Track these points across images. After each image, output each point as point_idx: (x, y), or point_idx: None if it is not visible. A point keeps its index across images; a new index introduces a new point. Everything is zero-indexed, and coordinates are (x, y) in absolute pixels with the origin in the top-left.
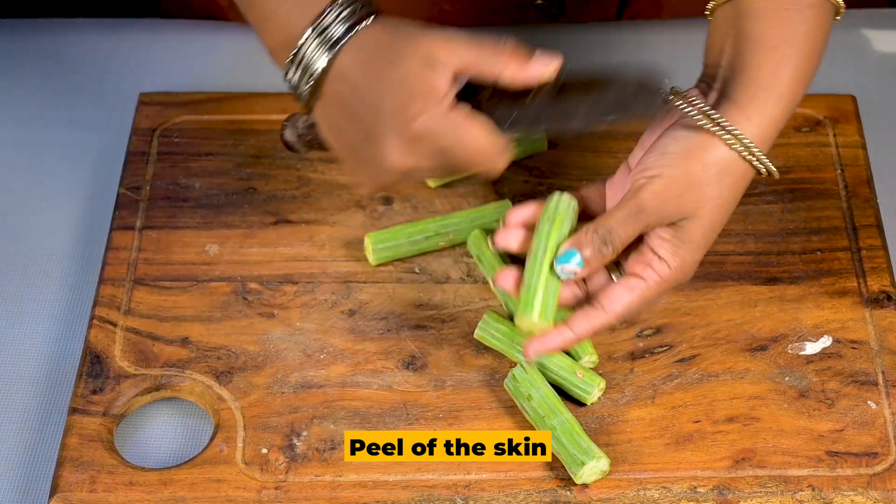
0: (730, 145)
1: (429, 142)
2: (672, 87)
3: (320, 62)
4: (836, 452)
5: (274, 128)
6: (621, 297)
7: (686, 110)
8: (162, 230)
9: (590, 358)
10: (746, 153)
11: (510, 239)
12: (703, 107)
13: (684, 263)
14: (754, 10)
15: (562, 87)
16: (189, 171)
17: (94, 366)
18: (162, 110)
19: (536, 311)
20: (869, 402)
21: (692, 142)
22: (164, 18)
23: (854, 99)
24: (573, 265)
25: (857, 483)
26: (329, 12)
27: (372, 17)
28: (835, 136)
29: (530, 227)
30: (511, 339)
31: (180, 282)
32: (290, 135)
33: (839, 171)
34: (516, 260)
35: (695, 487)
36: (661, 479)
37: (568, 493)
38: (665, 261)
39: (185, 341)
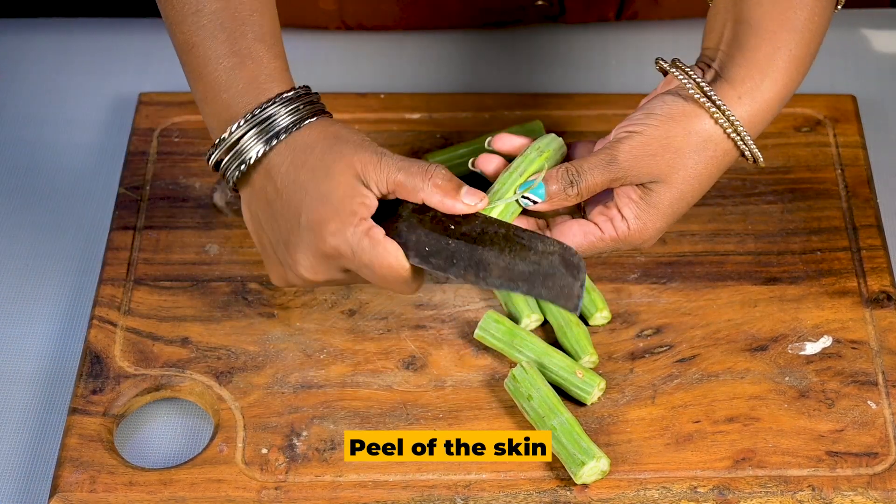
0: (715, 119)
1: (339, 260)
2: (673, 59)
3: (253, 152)
4: (836, 452)
5: None
6: (573, 234)
7: (680, 79)
8: (162, 230)
9: (590, 358)
10: (731, 131)
11: (490, 163)
12: (698, 78)
13: (645, 228)
14: None
15: (481, 232)
16: (189, 170)
17: (94, 366)
18: (162, 110)
19: (499, 209)
20: (869, 402)
21: (679, 108)
22: None
23: (854, 99)
24: (534, 195)
25: (857, 483)
26: (273, 104)
27: (314, 118)
28: (835, 136)
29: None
30: (511, 339)
31: (180, 282)
32: (218, 199)
33: (839, 171)
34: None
35: (695, 487)
36: (661, 479)
37: (568, 493)
38: (626, 220)
39: (185, 341)
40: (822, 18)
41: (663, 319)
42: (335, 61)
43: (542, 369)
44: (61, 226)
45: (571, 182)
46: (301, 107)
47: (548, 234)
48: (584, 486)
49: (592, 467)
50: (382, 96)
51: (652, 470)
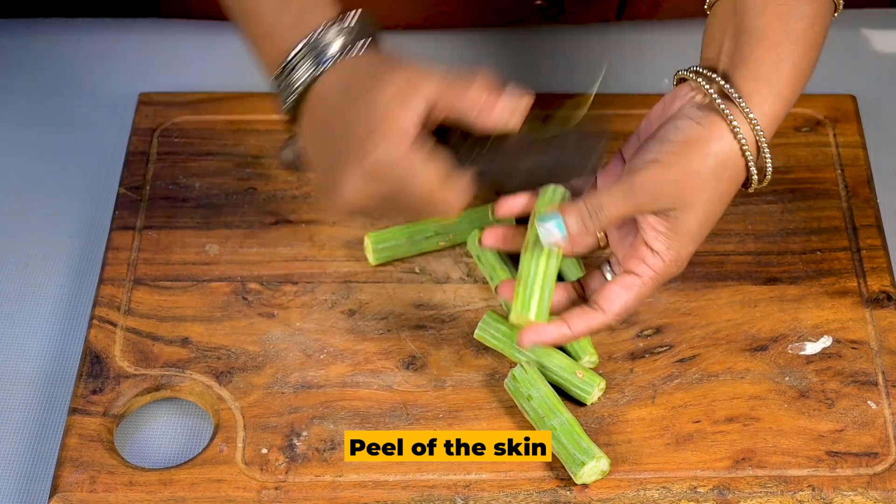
0: (735, 134)
1: (381, 180)
2: (678, 72)
3: (305, 77)
4: (836, 452)
5: (274, 128)
6: (618, 296)
7: (706, 87)
8: (162, 230)
9: (590, 358)
10: (746, 147)
11: (496, 238)
12: (721, 83)
13: (679, 256)
14: (754, 5)
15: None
16: (189, 171)
17: (94, 366)
18: (162, 110)
19: (533, 310)
20: (869, 402)
21: (694, 132)
22: (164, 18)
23: (854, 99)
24: (553, 228)
25: (858, 483)
26: (325, 28)
27: (366, 40)
28: (835, 136)
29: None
30: (511, 340)
31: (180, 282)
32: (289, 154)
33: (839, 171)
34: (517, 258)
35: (695, 487)
36: (661, 480)
37: (568, 493)
38: (659, 254)
39: (185, 341)
40: (822, 28)
41: (663, 319)
42: None
43: (543, 369)
44: (61, 226)
45: (591, 214)
46: (355, 29)
47: (592, 304)
48: (584, 486)
49: (592, 467)
50: None
51: (652, 470)
